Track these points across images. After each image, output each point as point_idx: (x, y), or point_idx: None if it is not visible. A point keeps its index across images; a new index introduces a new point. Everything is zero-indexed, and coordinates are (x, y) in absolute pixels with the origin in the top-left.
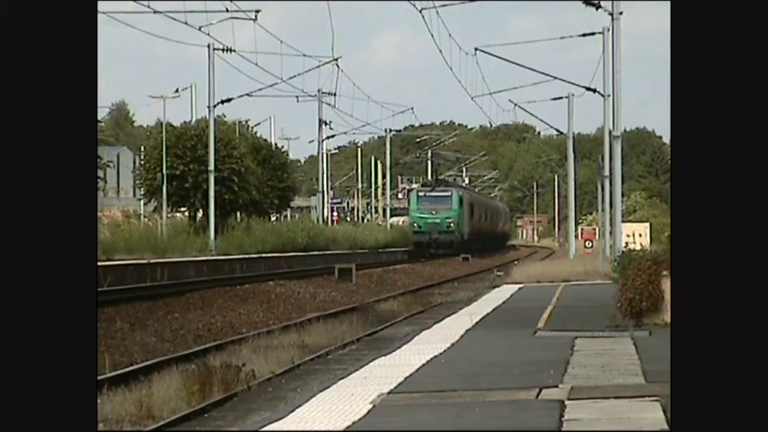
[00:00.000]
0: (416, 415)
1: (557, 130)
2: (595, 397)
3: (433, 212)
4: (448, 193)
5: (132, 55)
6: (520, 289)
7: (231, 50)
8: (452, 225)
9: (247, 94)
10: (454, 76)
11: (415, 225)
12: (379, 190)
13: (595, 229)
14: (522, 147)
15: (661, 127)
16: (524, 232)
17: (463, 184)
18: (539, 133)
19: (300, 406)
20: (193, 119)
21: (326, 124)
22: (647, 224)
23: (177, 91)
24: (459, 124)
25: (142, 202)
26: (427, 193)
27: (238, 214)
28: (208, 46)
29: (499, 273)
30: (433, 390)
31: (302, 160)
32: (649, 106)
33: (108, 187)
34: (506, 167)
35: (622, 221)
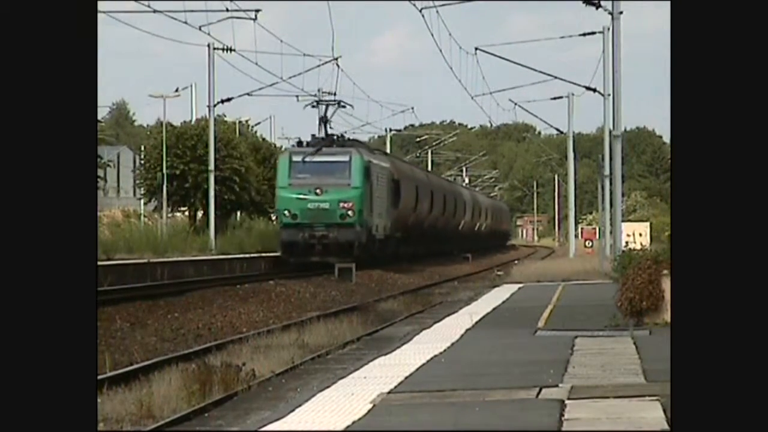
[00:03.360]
0: (416, 414)
1: (557, 130)
2: (595, 396)
3: (317, 191)
4: (345, 158)
5: (132, 54)
6: (520, 288)
7: (231, 50)
8: (351, 213)
9: (248, 94)
10: (454, 76)
11: (285, 213)
12: None
13: (595, 228)
14: (522, 146)
15: (661, 127)
16: (524, 231)
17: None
18: (539, 132)
19: (300, 405)
20: (193, 119)
21: (326, 123)
22: (647, 224)
23: (177, 90)
24: (459, 124)
25: (142, 201)
26: (307, 158)
27: (239, 213)
28: (208, 46)
29: (499, 272)
30: (433, 390)
31: None
32: (649, 106)
33: (108, 187)
34: (506, 167)
35: (622, 221)
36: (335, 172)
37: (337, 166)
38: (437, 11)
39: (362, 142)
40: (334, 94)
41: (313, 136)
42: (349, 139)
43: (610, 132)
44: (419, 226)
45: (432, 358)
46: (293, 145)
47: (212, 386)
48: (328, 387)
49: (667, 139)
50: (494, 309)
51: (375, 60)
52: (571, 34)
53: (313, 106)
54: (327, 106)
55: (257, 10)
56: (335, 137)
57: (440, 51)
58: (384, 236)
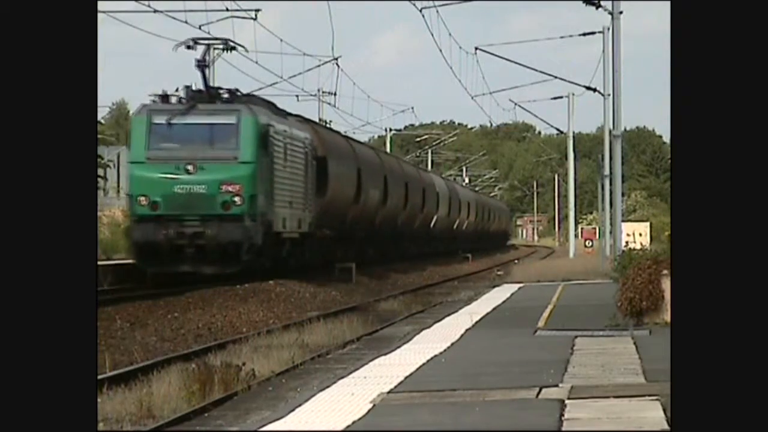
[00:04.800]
0: (416, 414)
1: (557, 130)
2: (595, 396)
3: (188, 167)
4: (231, 120)
5: (132, 54)
6: (520, 288)
7: (231, 49)
8: (237, 199)
9: (247, 94)
10: (454, 76)
11: (140, 200)
12: None
13: (595, 228)
14: (522, 146)
15: (661, 127)
16: (524, 231)
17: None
18: (539, 132)
19: (300, 405)
20: None
21: (326, 123)
22: (647, 223)
23: (177, 90)
24: (459, 124)
25: None
26: (175, 120)
27: None
28: (209, 46)
29: (499, 272)
30: (433, 389)
31: None
32: (649, 106)
33: (108, 187)
34: (506, 167)
35: (623, 221)
36: (216, 140)
37: (219, 132)
38: (437, 11)
39: (262, 98)
40: (335, 94)
41: (187, 87)
42: (241, 94)
43: (610, 132)
44: (366, 222)
45: (432, 358)
46: (154, 101)
47: (212, 386)
48: (328, 387)
49: (667, 139)
50: (494, 309)
51: (375, 60)
52: (571, 34)
53: (188, 47)
54: (209, 47)
55: (257, 10)
56: (219, 91)
57: (440, 51)
58: (299, 234)
